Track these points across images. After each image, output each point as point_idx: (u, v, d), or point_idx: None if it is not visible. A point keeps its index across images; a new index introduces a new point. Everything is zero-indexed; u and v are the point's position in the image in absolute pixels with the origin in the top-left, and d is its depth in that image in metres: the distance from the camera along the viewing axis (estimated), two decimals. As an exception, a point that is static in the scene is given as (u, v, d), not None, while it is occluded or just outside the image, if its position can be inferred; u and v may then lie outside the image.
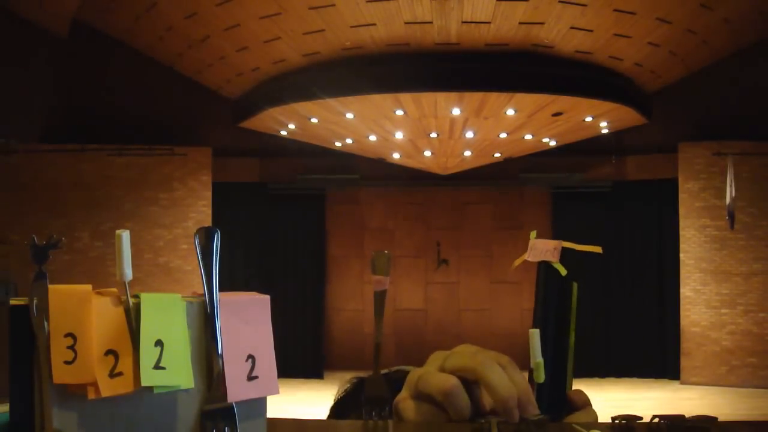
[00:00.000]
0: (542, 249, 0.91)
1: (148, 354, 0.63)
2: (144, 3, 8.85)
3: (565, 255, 0.91)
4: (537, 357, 0.84)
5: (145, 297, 0.64)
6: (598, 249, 0.93)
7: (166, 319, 0.64)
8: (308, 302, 12.54)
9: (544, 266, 0.90)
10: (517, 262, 0.96)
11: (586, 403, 0.87)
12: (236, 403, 0.67)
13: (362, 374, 1.18)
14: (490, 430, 0.78)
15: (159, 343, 0.64)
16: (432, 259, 12.86)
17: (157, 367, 0.63)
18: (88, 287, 0.62)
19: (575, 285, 0.90)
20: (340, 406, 1.18)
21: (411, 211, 12.91)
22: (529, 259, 0.92)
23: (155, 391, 0.63)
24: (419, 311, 12.90)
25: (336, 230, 12.86)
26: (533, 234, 0.93)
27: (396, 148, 11.25)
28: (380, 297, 0.89)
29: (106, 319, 0.62)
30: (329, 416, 1.16)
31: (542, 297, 0.91)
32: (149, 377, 0.62)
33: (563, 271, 0.89)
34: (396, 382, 0.90)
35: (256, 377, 0.68)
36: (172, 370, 0.64)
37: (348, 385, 1.21)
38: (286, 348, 11.37)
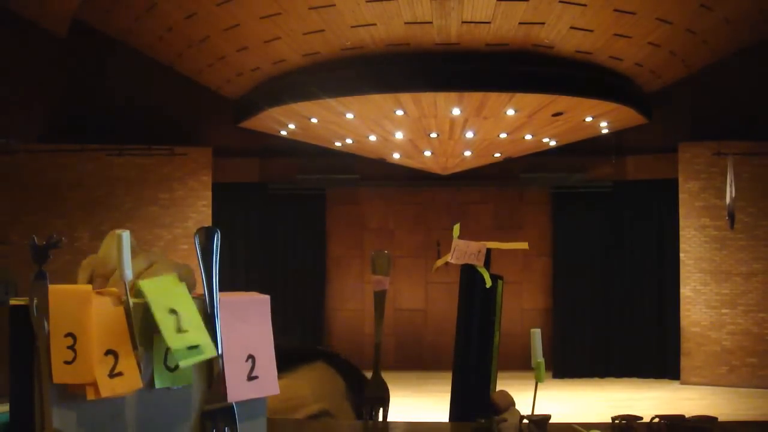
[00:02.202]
0: (465, 251, 0.88)
1: (166, 323, 0.63)
2: (144, 3, 8.84)
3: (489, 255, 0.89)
4: (538, 357, 0.84)
5: (144, 284, 0.64)
6: (524, 245, 0.91)
7: (171, 294, 0.64)
8: (308, 302, 12.53)
9: (468, 270, 0.88)
10: (438, 263, 0.94)
11: (509, 405, 0.85)
12: (236, 403, 0.67)
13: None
14: (491, 429, 0.78)
15: (173, 311, 0.64)
16: (432, 259, 12.85)
17: (180, 331, 0.63)
18: (88, 287, 0.62)
19: (500, 282, 0.88)
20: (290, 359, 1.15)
21: (411, 211, 12.91)
22: (452, 262, 0.90)
23: (181, 362, 0.63)
24: (419, 311, 12.90)
25: (336, 230, 12.86)
26: (456, 229, 0.90)
27: (396, 148, 11.25)
28: (380, 297, 0.89)
29: (106, 319, 0.62)
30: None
31: (466, 300, 0.88)
32: (175, 340, 0.62)
33: (488, 282, 0.86)
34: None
35: (256, 377, 0.68)
36: (192, 332, 0.64)
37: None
38: (286, 348, 11.37)
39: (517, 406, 0.88)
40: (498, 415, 0.82)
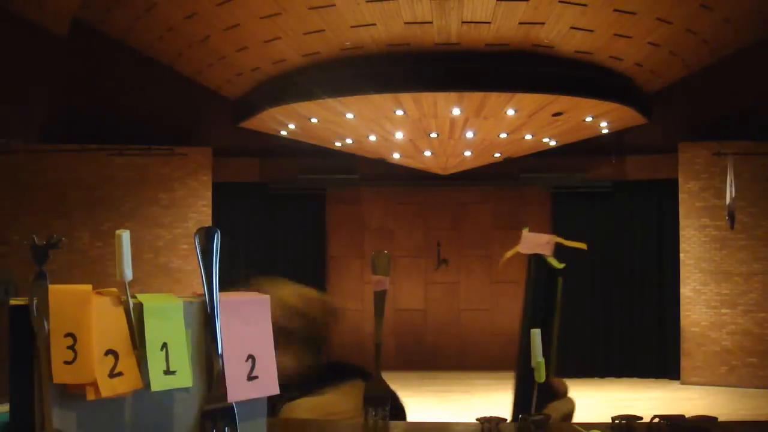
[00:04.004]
0: (534, 242, 0.92)
1: (156, 359, 0.63)
2: (144, 3, 8.84)
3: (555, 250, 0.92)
4: (538, 357, 0.84)
5: (147, 306, 0.64)
6: (583, 246, 0.95)
7: (167, 322, 0.64)
8: (308, 302, 12.52)
9: (535, 259, 0.91)
10: (509, 253, 0.97)
11: (566, 392, 0.90)
12: (236, 403, 0.66)
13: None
14: (491, 430, 0.78)
15: (164, 346, 0.64)
16: (432, 259, 12.85)
17: (167, 372, 0.63)
18: (88, 287, 0.62)
19: (560, 280, 0.91)
20: (307, 383, 1.18)
21: (411, 211, 12.91)
22: (522, 251, 0.93)
23: (152, 389, 0.63)
24: (419, 311, 12.89)
25: (336, 230, 12.86)
26: (526, 230, 0.94)
27: (396, 148, 11.24)
28: (380, 297, 0.90)
29: (106, 319, 0.62)
30: (291, 391, 1.16)
31: (531, 290, 0.92)
32: (159, 383, 0.63)
33: (558, 265, 0.90)
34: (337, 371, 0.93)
35: (256, 377, 0.68)
36: (180, 372, 0.64)
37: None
38: (286, 348, 11.37)
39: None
40: (556, 399, 0.88)
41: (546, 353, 0.88)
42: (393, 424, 0.84)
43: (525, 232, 0.93)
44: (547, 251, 0.91)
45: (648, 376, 11.91)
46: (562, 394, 0.89)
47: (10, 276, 9.32)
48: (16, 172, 11.06)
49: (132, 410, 0.63)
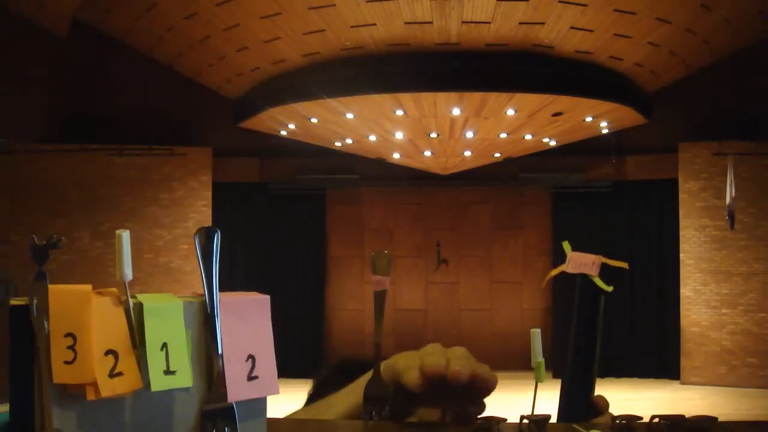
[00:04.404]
0: (581, 262, 0.94)
1: (156, 359, 0.63)
2: (144, 3, 8.84)
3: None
4: (538, 357, 0.84)
5: (147, 306, 0.64)
6: (625, 265, 0.97)
7: (167, 322, 0.64)
8: (308, 302, 12.53)
9: (582, 279, 0.93)
10: (554, 272, 0.98)
11: (607, 408, 0.93)
12: (236, 403, 0.67)
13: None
14: (490, 430, 0.78)
15: (164, 346, 0.64)
16: (432, 259, 12.85)
17: (167, 372, 0.63)
18: (88, 287, 0.62)
19: (602, 298, 0.93)
20: (317, 390, 1.19)
21: (411, 211, 12.91)
22: (569, 271, 0.95)
23: (152, 389, 0.63)
24: (419, 311, 12.90)
25: (336, 230, 12.86)
26: (567, 246, 0.95)
27: (396, 148, 11.25)
28: (380, 297, 0.89)
29: (106, 319, 0.62)
30: (307, 401, 1.17)
31: (578, 309, 0.94)
32: (159, 383, 0.63)
33: (607, 288, 0.92)
34: (355, 368, 0.92)
35: (256, 377, 0.68)
36: (180, 372, 0.64)
37: (323, 372, 1.23)
38: (286, 348, 11.37)
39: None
40: (598, 416, 0.91)
41: (591, 373, 0.92)
42: (393, 424, 0.84)
43: (570, 252, 0.94)
44: (593, 272, 0.92)
45: (648, 376, 11.91)
46: (603, 410, 0.92)
47: (10, 276, 9.32)
48: (16, 172, 11.07)
49: (132, 410, 0.63)
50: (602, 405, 0.94)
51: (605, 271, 0.96)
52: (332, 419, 0.91)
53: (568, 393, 0.94)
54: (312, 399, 1.16)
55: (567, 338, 0.96)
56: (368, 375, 0.90)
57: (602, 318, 0.96)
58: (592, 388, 0.95)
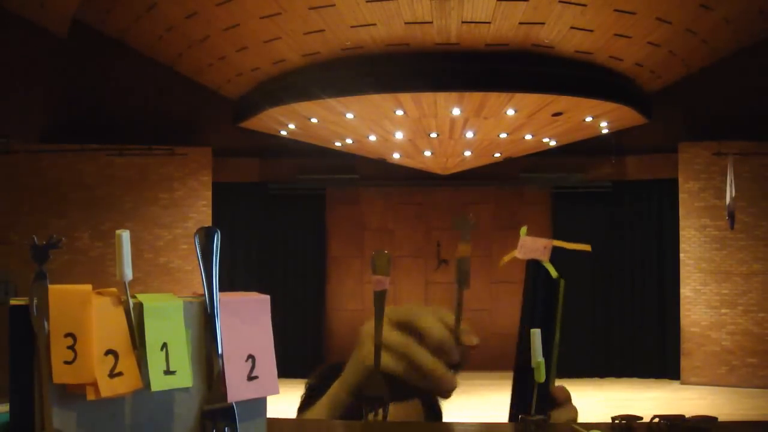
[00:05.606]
0: (532, 247, 0.92)
1: (156, 359, 0.63)
2: (144, 3, 8.84)
3: (555, 253, 0.92)
4: (538, 357, 0.84)
5: (147, 306, 0.64)
6: (587, 247, 0.94)
7: (167, 322, 0.64)
8: (308, 302, 12.53)
9: (534, 265, 0.91)
10: (507, 258, 0.97)
11: (567, 399, 0.89)
12: (236, 403, 0.67)
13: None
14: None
15: (164, 346, 0.64)
16: (432, 259, 12.85)
17: (167, 372, 0.63)
18: (88, 287, 0.62)
19: (562, 282, 0.91)
20: (310, 394, 1.19)
21: (411, 211, 12.91)
22: (519, 257, 0.93)
23: (152, 389, 0.63)
24: (419, 311, 12.89)
25: (336, 230, 12.86)
26: (523, 230, 0.93)
27: (396, 148, 11.25)
28: (380, 297, 0.89)
29: (106, 319, 0.62)
30: (301, 405, 1.17)
31: (531, 295, 0.92)
32: (159, 383, 0.63)
33: (554, 273, 0.89)
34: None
35: (256, 377, 0.68)
36: (180, 372, 0.64)
37: (316, 376, 1.23)
38: (286, 348, 11.37)
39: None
40: (556, 408, 0.86)
41: (547, 361, 0.88)
42: (393, 424, 0.84)
43: (523, 237, 0.92)
44: (544, 256, 0.90)
45: (648, 376, 11.91)
46: (562, 402, 0.89)
47: (10, 276, 9.33)
48: (16, 172, 11.07)
49: (132, 410, 0.63)
50: (561, 396, 0.91)
51: (558, 255, 0.94)
52: (332, 419, 0.91)
53: (521, 384, 0.92)
54: (305, 405, 1.16)
55: (520, 327, 0.94)
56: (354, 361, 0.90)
57: (561, 304, 0.94)
58: (550, 379, 0.92)
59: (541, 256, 0.92)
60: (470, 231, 0.90)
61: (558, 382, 0.97)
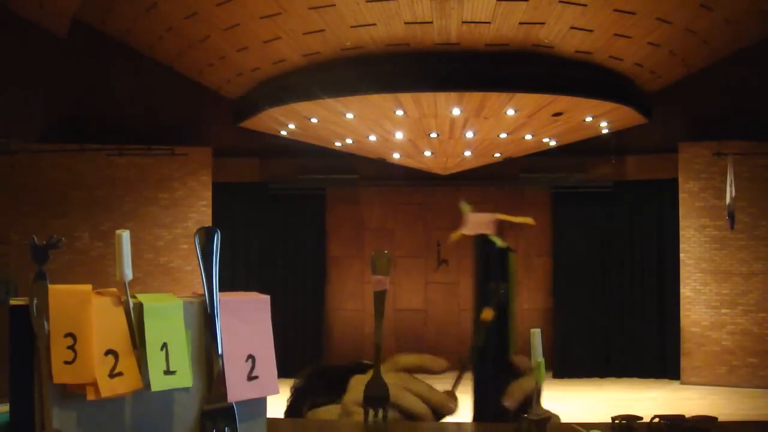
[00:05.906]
0: (478, 222, 0.93)
1: (156, 359, 0.63)
2: (144, 3, 8.85)
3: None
4: (538, 357, 0.84)
5: (147, 306, 0.64)
6: (530, 220, 0.96)
7: (167, 322, 0.64)
8: (308, 302, 12.53)
9: (481, 240, 0.92)
10: (455, 236, 0.98)
11: (528, 369, 0.90)
12: (236, 403, 0.67)
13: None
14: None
15: (164, 346, 0.64)
16: (432, 259, 12.85)
17: (167, 372, 0.63)
18: (88, 287, 0.62)
19: (513, 255, 0.93)
20: (297, 396, 1.19)
21: (411, 211, 12.91)
22: (466, 233, 0.94)
23: (152, 389, 0.63)
24: (419, 311, 12.90)
25: (336, 230, 12.86)
26: (467, 207, 0.94)
27: (396, 148, 11.25)
28: (380, 297, 0.89)
29: (106, 319, 0.62)
30: (288, 408, 1.17)
31: (481, 268, 0.93)
32: (159, 383, 0.62)
33: (500, 243, 0.91)
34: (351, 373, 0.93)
35: (256, 377, 0.68)
36: (180, 372, 0.64)
37: (302, 378, 1.24)
38: (286, 348, 11.37)
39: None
40: (518, 377, 0.88)
41: (504, 332, 0.90)
42: (393, 424, 0.84)
43: (468, 214, 0.93)
44: (489, 230, 0.91)
45: (648, 376, 11.91)
46: (523, 372, 0.90)
47: (10, 276, 9.32)
48: (16, 172, 11.06)
49: (132, 410, 0.63)
50: (521, 365, 0.92)
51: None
52: (332, 418, 0.92)
53: (481, 353, 0.93)
54: (292, 407, 1.16)
55: (473, 300, 0.96)
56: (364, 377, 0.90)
57: (513, 274, 0.96)
58: (508, 349, 0.94)
59: (486, 229, 0.94)
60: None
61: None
